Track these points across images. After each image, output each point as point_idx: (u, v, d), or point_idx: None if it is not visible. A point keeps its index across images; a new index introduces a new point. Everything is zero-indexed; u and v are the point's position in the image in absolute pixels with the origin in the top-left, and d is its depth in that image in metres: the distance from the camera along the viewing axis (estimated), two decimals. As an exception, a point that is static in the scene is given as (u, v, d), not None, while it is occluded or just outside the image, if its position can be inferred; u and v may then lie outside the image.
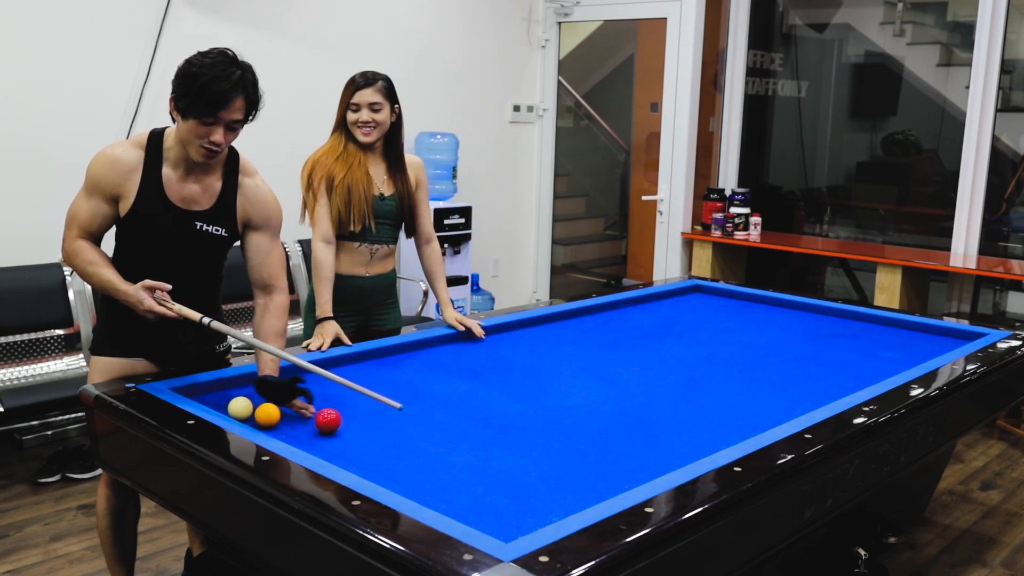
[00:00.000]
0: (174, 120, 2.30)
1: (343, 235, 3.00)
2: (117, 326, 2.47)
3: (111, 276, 2.35)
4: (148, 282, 2.31)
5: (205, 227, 2.41)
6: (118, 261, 2.42)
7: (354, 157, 2.97)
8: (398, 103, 3.02)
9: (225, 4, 4.65)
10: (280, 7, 4.89)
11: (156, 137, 2.38)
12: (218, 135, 2.25)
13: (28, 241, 4.01)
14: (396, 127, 3.03)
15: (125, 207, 2.35)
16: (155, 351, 2.51)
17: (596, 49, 7.48)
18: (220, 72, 2.20)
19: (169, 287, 2.33)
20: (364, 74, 2.97)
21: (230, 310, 4.38)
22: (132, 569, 2.67)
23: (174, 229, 2.38)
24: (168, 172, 2.36)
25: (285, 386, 2.25)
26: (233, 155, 2.45)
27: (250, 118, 2.31)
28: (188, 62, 2.24)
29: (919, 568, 3.23)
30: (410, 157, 3.16)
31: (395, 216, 3.07)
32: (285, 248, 4.74)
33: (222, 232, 2.43)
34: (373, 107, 2.93)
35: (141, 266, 2.38)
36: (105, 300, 2.47)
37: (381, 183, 3.03)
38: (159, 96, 4.41)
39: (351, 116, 2.95)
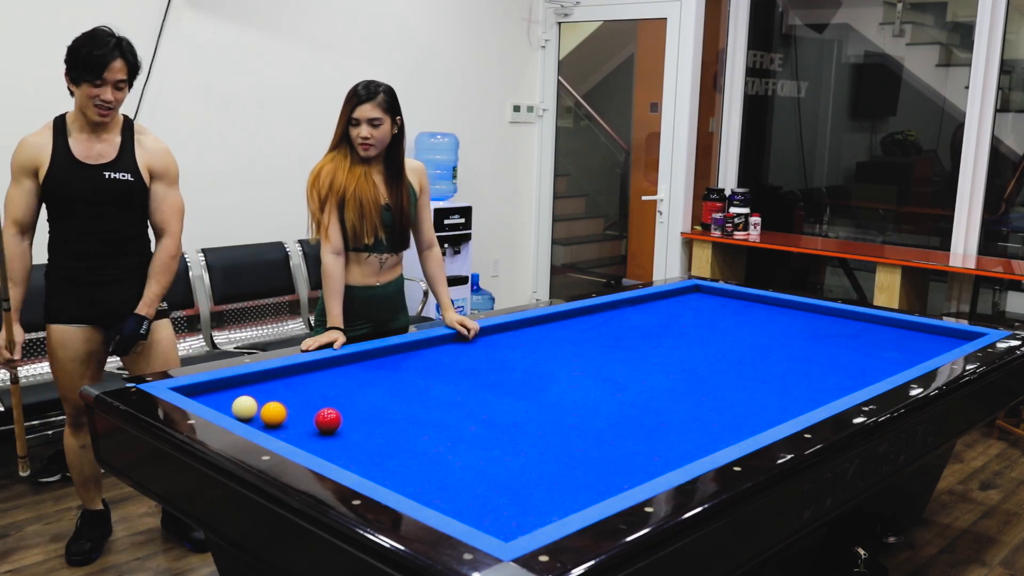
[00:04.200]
0: (72, 93, 2.78)
1: (354, 247, 2.97)
2: (60, 294, 2.91)
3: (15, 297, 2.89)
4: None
5: (113, 175, 2.85)
6: (54, 235, 2.89)
7: (360, 169, 2.93)
8: (400, 114, 2.96)
9: (225, 4, 4.65)
10: (280, 7, 4.89)
11: (60, 118, 2.89)
12: (107, 93, 2.74)
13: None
14: (397, 138, 2.98)
15: (43, 174, 2.81)
16: (96, 314, 2.93)
17: (596, 49, 7.48)
18: (99, 41, 2.72)
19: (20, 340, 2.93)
20: (367, 86, 2.90)
21: (231, 310, 4.37)
22: (100, 488, 3.23)
23: (87, 182, 2.82)
24: (73, 139, 2.84)
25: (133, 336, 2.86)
26: (128, 121, 2.95)
27: (135, 77, 2.84)
28: (73, 40, 2.74)
29: (919, 568, 3.23)
30: (412, 163, 3.12)
31: (392, 226, 3.01)
32: (285, 248, 4.74)
33: (128, 177, 2.87)
34: (373, 123, 2.87)
35: (72, 231, 2.85)
36: (48, 272, 2.93)
37: (383, 193, 2.99)
38: (159, 96, 4.42)
39: (352, 131, 2.90)
